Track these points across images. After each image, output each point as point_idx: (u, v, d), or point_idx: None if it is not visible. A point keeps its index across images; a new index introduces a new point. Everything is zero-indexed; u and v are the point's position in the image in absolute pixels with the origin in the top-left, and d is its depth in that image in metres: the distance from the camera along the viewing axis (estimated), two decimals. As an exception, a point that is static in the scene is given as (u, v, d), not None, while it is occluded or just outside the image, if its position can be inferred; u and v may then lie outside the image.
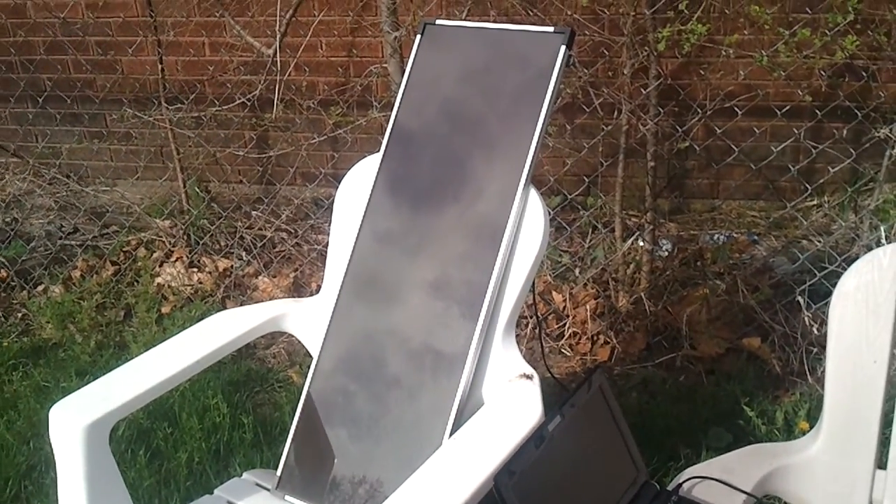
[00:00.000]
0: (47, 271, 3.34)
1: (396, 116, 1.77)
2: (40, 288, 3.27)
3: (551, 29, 1.67)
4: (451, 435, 1.54)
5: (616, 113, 2.80)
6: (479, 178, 1.66)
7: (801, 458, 1.46)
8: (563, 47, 1.65)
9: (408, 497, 1.26)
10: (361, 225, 1.74)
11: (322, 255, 3.13)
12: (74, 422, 1.49)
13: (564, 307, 2.81)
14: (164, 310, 3.07)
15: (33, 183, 3.91)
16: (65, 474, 1.51)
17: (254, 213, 3.46)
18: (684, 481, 1.44)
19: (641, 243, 2.81)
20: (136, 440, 2.37)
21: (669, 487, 1.44)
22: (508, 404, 1.47)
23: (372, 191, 1.75)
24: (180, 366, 1.64)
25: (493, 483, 1.21)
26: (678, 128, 2.98)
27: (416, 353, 1.63)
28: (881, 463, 1.41)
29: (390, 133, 1.76)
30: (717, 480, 1.43)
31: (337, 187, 1.82)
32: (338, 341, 1.71)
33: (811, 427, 1.52)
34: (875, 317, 1.39)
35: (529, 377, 1.52)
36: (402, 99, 1.77)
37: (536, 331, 2.74)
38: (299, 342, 1.86)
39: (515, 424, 1.38)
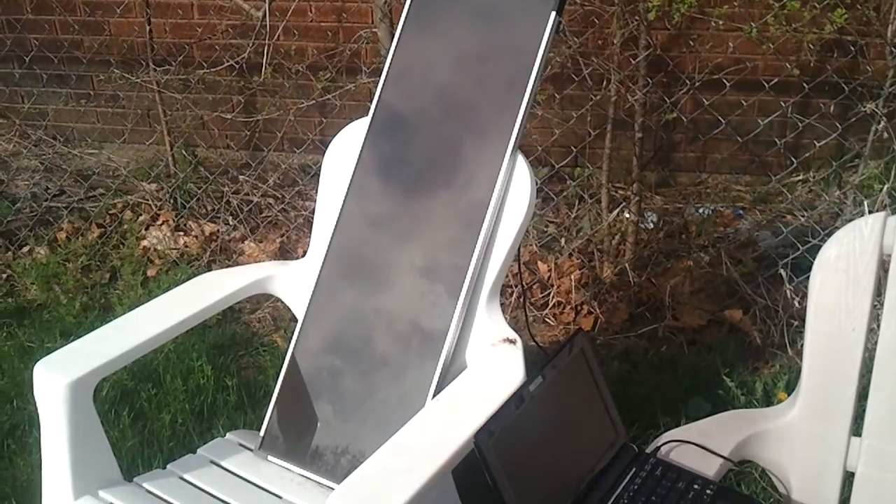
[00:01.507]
0: (32, 233, 3.33)
1: (385, 82, 1.76)
2: (25, 249, 3.26)
3: (542, -5, 1.67)
4: (433, 396, 1.56)
5: (605, 83, 2.80)
6: (467, 145, 1.66)
7: (778, 425, 1.48)
8: (553, 13, 1.64)
9: (390, 455, 1.28)
10: (348, 191, 1.74)
11: (308, 221, 3.13)
12: (59, 378, 1.49)
13: (549, 277, 2.83)
14: (150, 273, 3.07)
15: (19, 144, 3.88)
16: (49, 431, 1.51)
17: (241, 177, 3.45)
18: (662, 444, 1.46)
19: (627, 215, 2.82)
20: (119, 401, 2.38)
21: (648, 450, 1.46)
22: (491, 366, 1.48)
23: (359, 157, 1.75)
24: (166, 324, 1.64)
25: (474, 442, 1.22)
26: (666, 99, 2.98)
27: (399, 323, 1.64)
28: (857, 430, 1.43)
29: (378, 99, 1.76)
30: (694, 444, 1.45)
31: (324, 153, 1.82)
32: (322, 306, 1.72)
33: (790, 397, 1.54)
34: (855, 286, 1.41)
35: (512, 341, 1.54)
36: (391, 64, 1.77)
37: (521, 300, 2.76)
38: (284, 307, 1.87)
39: (497, 385, 1.40)
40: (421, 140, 1.70)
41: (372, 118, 1.75)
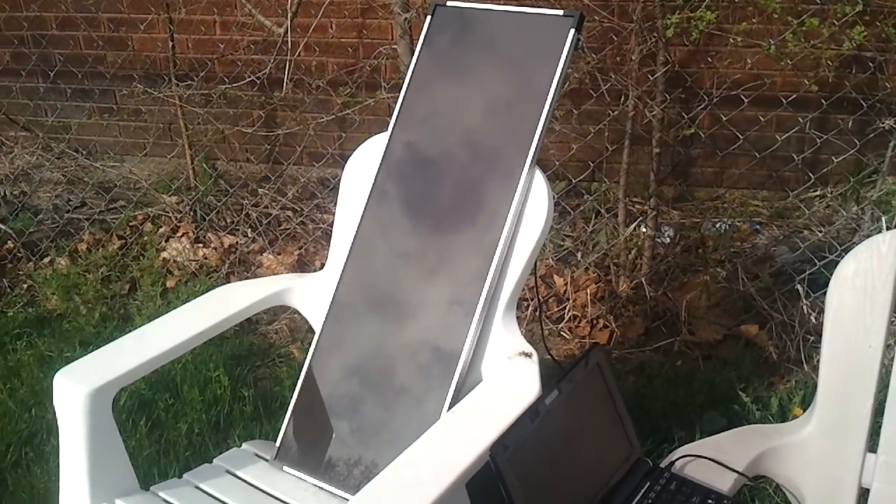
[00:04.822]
0: (54, 244, 3.37)
1: (405, 98, 1.78)
2: (46, 260, 3.30)
3: (561, 13, 1.68)
4: (449, 409, 1.57)
5: (623, 99, 2.81)
6: (485, 160, 1.67)
7: (793, 440, 1.48)
8: (572, 31, 1.66)
9: (405, 467, 1.28)
10: (366, 205, 1.76)
11: (326, 234, 3.15)
12: (78, 388, 1.51)
13: (565, 291, 2.83)
14: (169, 284, 3.10)
15: (42, 157, 3.93)
16: (67, 440, 1.53)
17: (260, 190, 3.47)
18: (677, 459, 1.46)
19: (644, 229, 2.82)
20: (137, 410, 2.40)
21: (662, 465, 1.46)
22: (506, 380, 1.49)
23: (378, 172, 1.76)
24: (184, 336, 1.66)
25: (490, 455, 1.23)
26: (684, 115, 2.99)
27: (413, 340, 1.64)
28: (872, 447, 1.43)
29: (398, 114, 1.77)
30: (709, 459, 1.45)
31: (343, 167, 1.84)
32: (339, 320, 1.73)
33: (805, 414, 1.54)
34: (872, 302, 1.41)
35: (528, 355, 1.54)
36: (410, 80, 1.78)
37: (537, 313, 2.76)
38: (301, 318, 1.88)
39: (513, 399, 1.40)
40: (442, 150, 1.71)
41: (393, 130, 1.77)
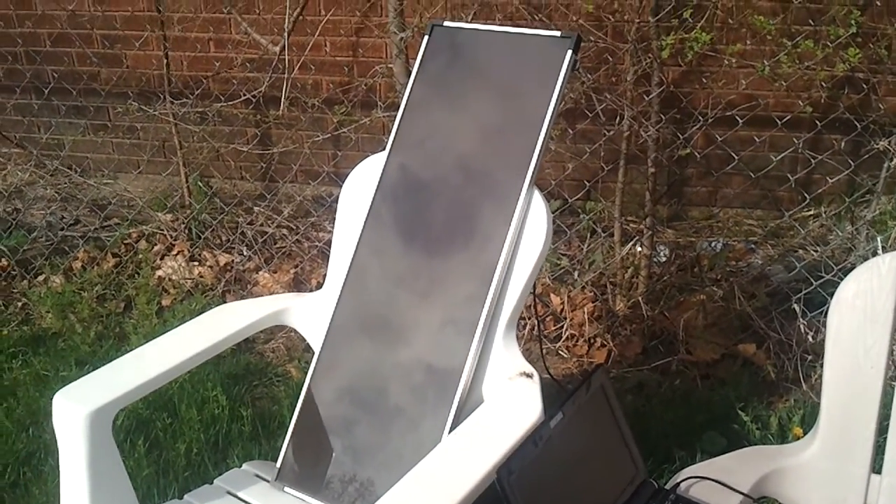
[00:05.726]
0: (48, 261, 3.35)
1: (401, 120, 1.78)
2: (41, 278, 3.28)
3: (558, 34, 1.69)
4: (450, 432, 1.56)
5: (618, 119, 2.82)
6: (483, 180, 1.67)
7: (798, 462, 1.48)
8: (569, 52, 1.66)
9: (408, 490, 1.28)
10: (363, 229, 1.75)
11: (322, 253, 3.15)
12: (79, 408, 1.50)
13: (562, 309, 2.84)
14: (165, 302, 3.09)
15: (35, 174, 3.92)
16: (67, 460, 1.52)
17: (255, 209, 3.47)
18: (682, 480, 1.46)
19: (640, 248, 2.83)
20: (135, 430, 2.38)
21: (667, 486, 1.46)
22: (508, 401, 1.49)
23: (374, 195, 1.76)
24: (184, 356, 1.65)
25: (496, 478, 1.23)
26: (679, 135, 3.00)
27: (415, 361, 1.64)
28: (876, 468, 1.43)
29: (395, 137, 1.78)
30: (714, 481, 1.45)
31: (339, 186, 1.83)
32: (338, 344, 1.73)
33: (805, 433, 1.54)
34: (873, 324, 1.41)
35: (529, 375, 1.54)
36: (407, 102, 1.79)
37: (535, 332, 2.76)
38: (298, 337, 1.88)
39: (515, 421, 1.40)
40: (440, 170, 1.72)
41: (390, 150, 1.77)
